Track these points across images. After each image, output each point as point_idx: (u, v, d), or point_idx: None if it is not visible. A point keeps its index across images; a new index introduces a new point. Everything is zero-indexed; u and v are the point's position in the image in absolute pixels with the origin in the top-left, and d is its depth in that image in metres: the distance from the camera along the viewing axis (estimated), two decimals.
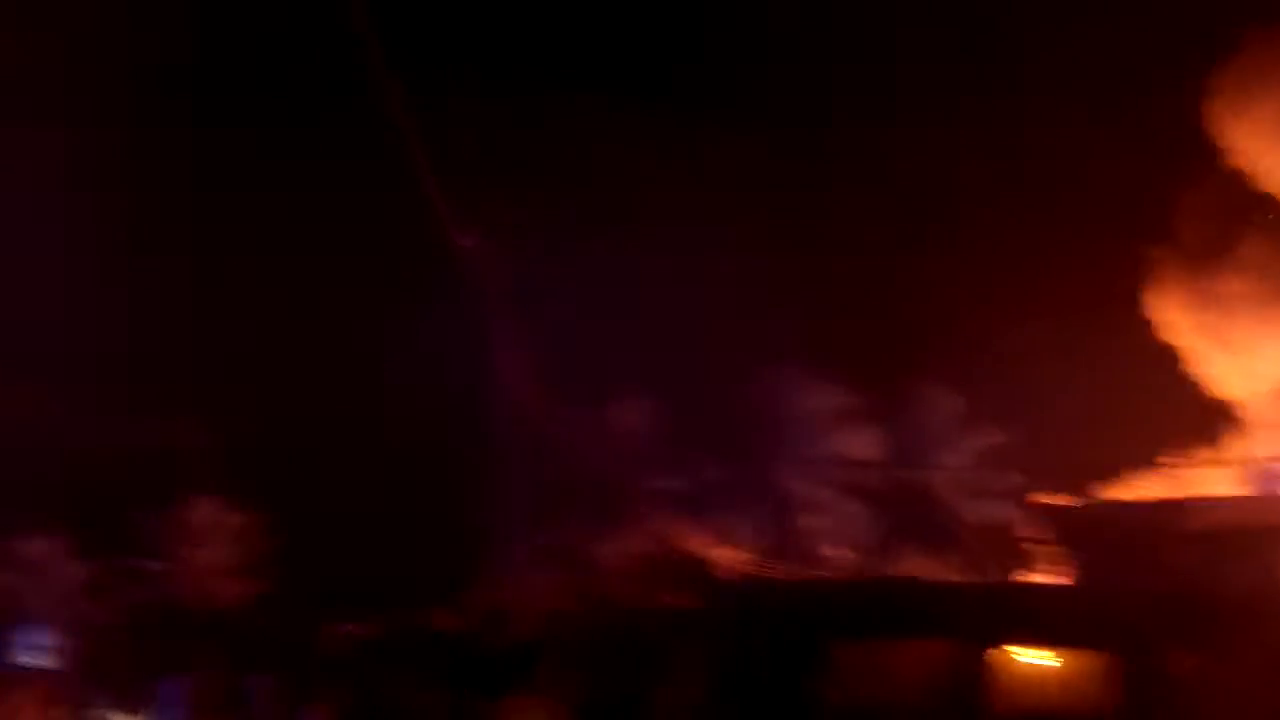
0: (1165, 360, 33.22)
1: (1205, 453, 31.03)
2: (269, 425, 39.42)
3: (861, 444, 36.45)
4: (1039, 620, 8.63)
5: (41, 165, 38.90)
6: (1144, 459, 30.28)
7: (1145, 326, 33.35)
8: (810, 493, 36.07)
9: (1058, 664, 8.48)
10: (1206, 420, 32.28)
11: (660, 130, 40.47)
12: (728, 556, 33.39)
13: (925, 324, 37.77)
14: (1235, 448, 31.20)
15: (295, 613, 34.04)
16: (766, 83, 41.57)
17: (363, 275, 41.75)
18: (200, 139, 42.34)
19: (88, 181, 39.58)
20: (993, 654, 8.17)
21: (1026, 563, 25.07)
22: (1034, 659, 8.51)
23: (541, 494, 30.52)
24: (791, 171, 41.09)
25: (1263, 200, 32.75)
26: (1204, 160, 32.95)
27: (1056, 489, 26.92)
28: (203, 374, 40.86)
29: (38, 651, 9.92)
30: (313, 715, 14.75)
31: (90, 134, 39.91)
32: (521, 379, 21.95)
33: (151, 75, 40.40)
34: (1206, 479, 29.30)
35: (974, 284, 37.24)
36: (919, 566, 34.85)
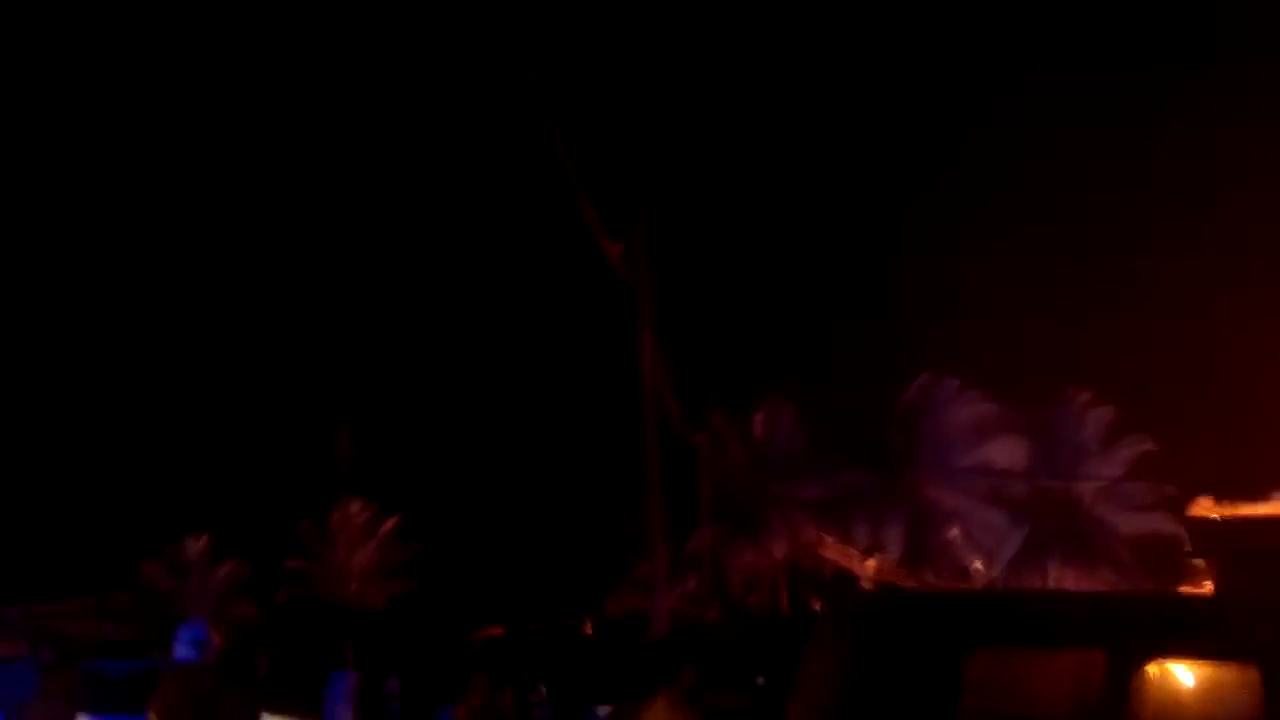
0: None
1: None
2: (419, 433, 40.14)
3: (1009, 453, 35.83)
4: (1187, 632, 8.46)
5: None
6: None
7: None
8: (955, 502, 35.61)
9: (1206, 677, 8.33)
10: None
11: None
12: (869, 565, 33.14)
13: (1076, 332, 37.13)
14: None
15: (439, 615, 34.59)
16: None
17: (510, 280, 42.36)
18: None
19: None
20: (1139, 666, 8.05)
21: (1176, 574, 24.48)
22: (1182, 671, 8.36)
23: (682, 501, 30.60)
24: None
25: None
26: None
27: (1208, 500, 26.09)
28: (356, 382, 41.73)
29: (196, 648, 10.28)
30: (452, 716, 15.01)
31: None
32: (665, 386, 22.04)
33: None
34: None
35: (1126, 293, 36.49)
36: (1066, 578, 34.23)
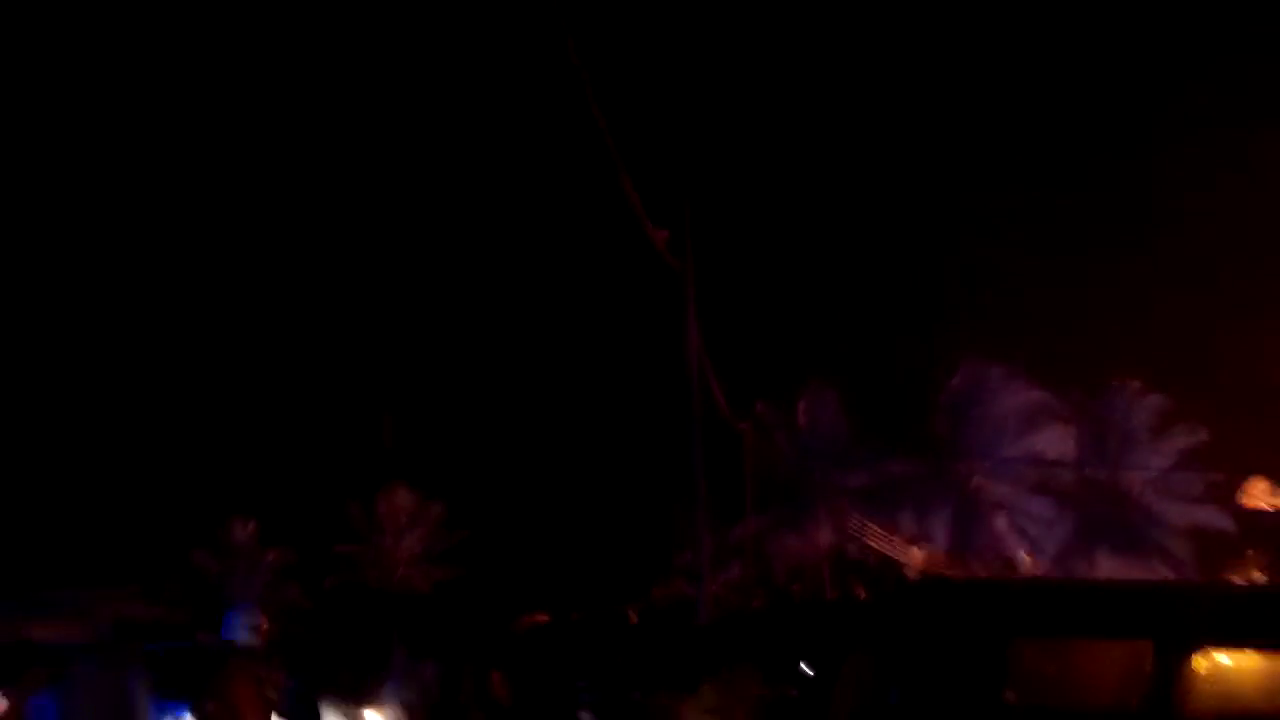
0: None
1: None
2: (465, 419, 40.33)
3: (1058, 442, 35.54)
4: (1237, 622, 8.38)
5: None
6: None
7: None
8: (1002, 491, 35.39)
9: (1256, 667, 8.24)
10: None
11: None
12: (915, 554, 33.00)
13: (1126, 320, 36.80)
14: None
15: (485, 600, 34.74)
16: None
17: (556, 268, 42.42)
18: None
19: None
20: (1188, 657, 7.97)
21: (1225, 564, 24.30)
22: (1232, 662, 8.27)
23: (727, 489, 30.59)
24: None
25: None
26: None
27: (1262, 484, 25.85)
28: (403, 368, 41.97)
29: (246, 631, 10.43)
30: (496, 702, 15.08)
31: None
32: (709, 373, 22.02)
33: None
34: None
35: (1178, 281, 36.11)
36: (1114, 568, 33.96)
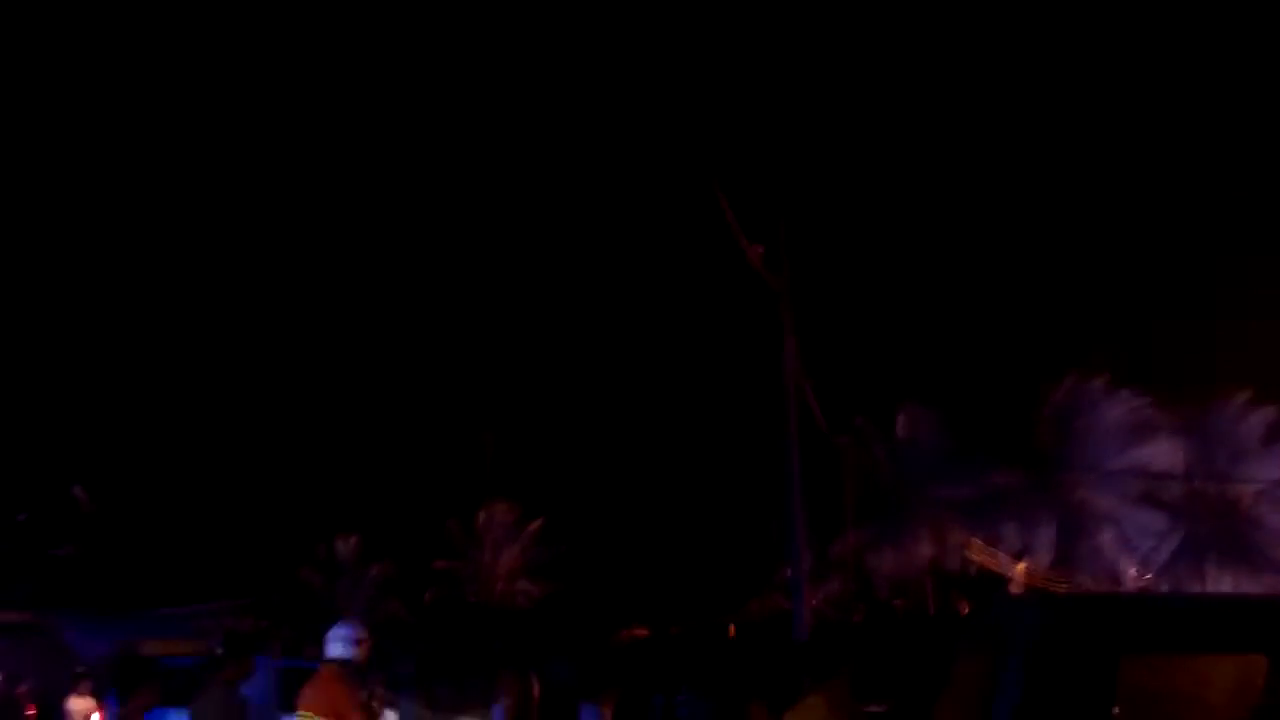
0: None
1: None
2: (564, 436, 40.54)
3: (1164, 454, 34.84)
4: None
5: None
6: None
7: None
8: (1107, 504, 34.76)
9: None
10: None
11: None
12: (1019, 568, 32.53)
13: (1234, 332, 36.08)
14: None
15: (585, 614, 34.87)
16: None
17: (653, 285, 42.55)
18: None
19: None
20: None
21: None
22: None
23: (827, 503, 30.40)
24: None
25: None
26: None
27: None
28: (503, 386, 42.35)
29: (348, 645, 10.51)
30: (597, 714, 15.09)
31: None
32: (807, 387, 21.93)
33: None
34: None
35: None
36: (1224, 582, 33.23)
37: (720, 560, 36.28)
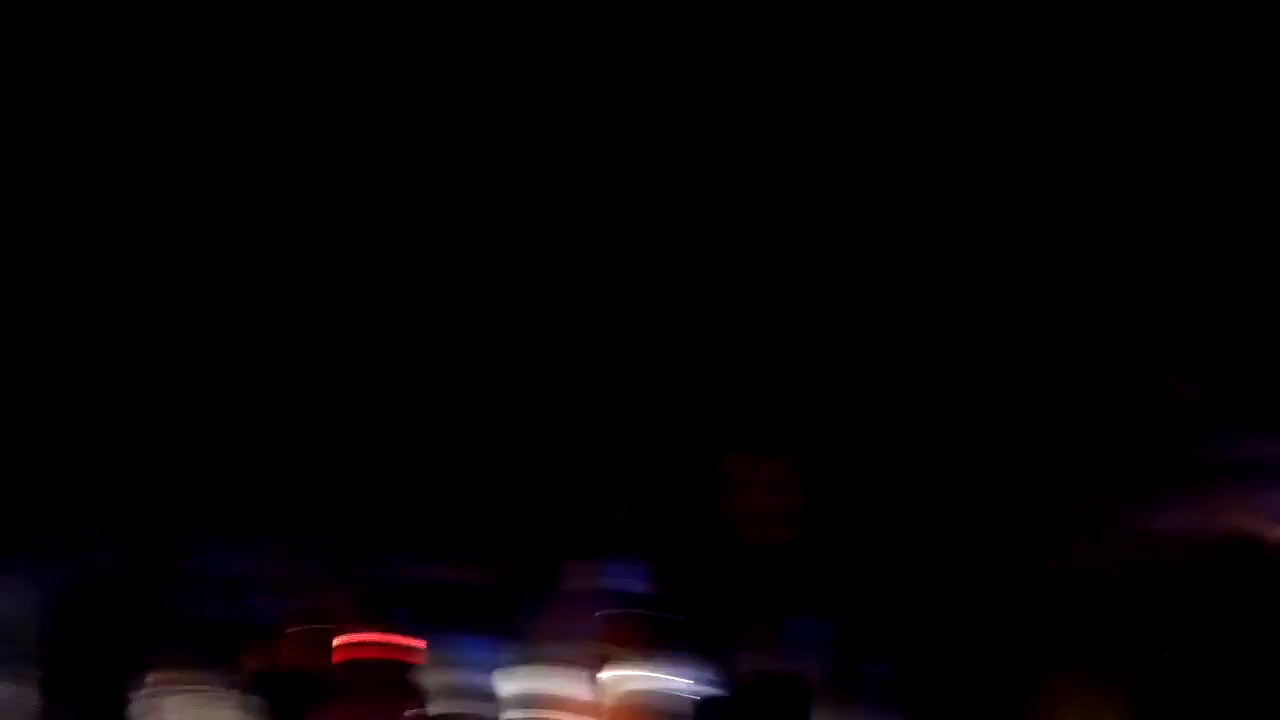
0: None
1: None
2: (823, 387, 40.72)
3: None
4: None
5: None
6: None
7: None
8: None
9: None
10: None
11: None
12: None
13: None
14: None
15: (837, 561, 35.42)
16: None
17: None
18: None
19: None
20: None
21: None
22: None
23: (1094, 464, 30.13)
24: None
25: None
26: None
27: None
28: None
29: (631, 580, 11.34)
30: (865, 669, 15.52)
31: None
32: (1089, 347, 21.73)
33: None
34: None
35: None
36: None
37: (995, 520, 35.89)
